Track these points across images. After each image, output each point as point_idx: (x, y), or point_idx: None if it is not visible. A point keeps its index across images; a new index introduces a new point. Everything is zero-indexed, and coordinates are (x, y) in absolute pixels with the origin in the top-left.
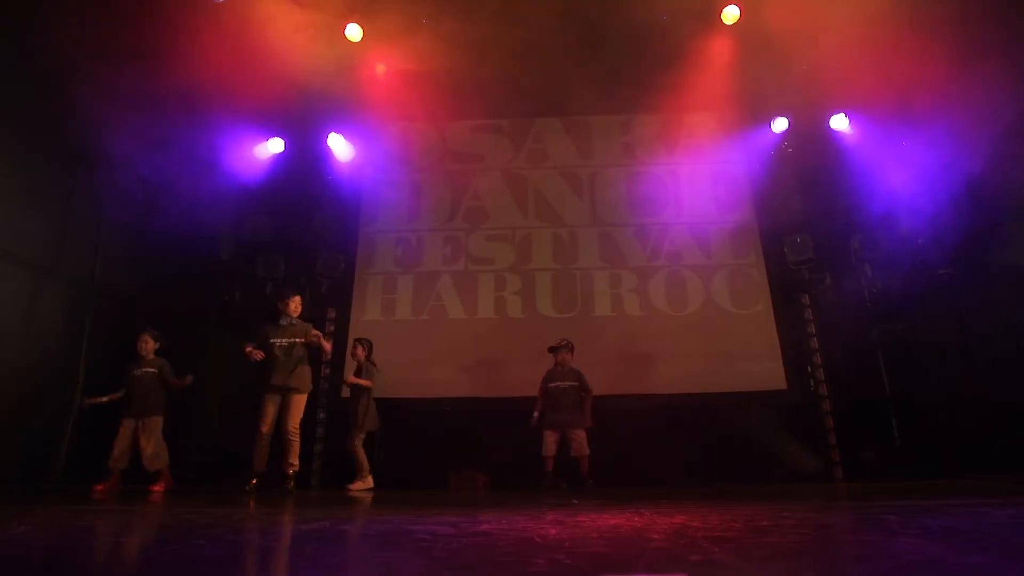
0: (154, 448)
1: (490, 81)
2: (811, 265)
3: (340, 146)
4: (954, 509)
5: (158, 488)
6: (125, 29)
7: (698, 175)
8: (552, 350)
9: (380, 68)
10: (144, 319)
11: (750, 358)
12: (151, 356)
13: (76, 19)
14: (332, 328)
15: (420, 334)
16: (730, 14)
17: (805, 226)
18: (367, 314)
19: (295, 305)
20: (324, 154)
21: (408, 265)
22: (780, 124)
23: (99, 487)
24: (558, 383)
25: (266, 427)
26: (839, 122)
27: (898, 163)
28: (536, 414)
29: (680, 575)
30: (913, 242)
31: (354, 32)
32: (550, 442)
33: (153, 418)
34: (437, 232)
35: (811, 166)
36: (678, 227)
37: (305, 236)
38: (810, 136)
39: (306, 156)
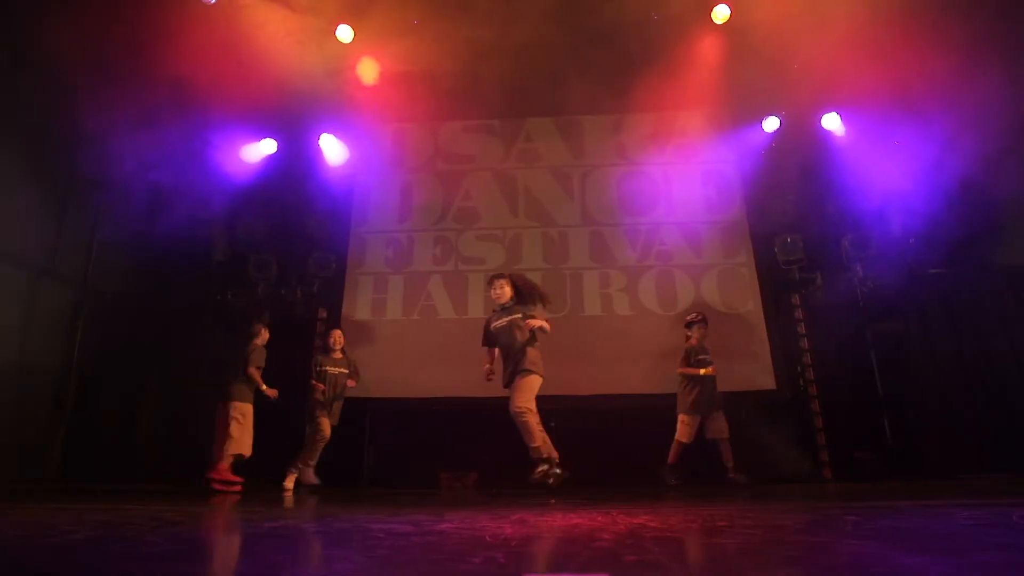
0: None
1: (481, 81)
2: (802, 264)
3: (332, 147)
4: (921, 511)
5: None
6: (120, 32)
7: (689, 174)
8: (688, 325)
9: (369, 71)
10: (140, 318)
11: (739, 358)
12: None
13: (70, 23)
14: (323, 328)
15: (410, 334)
16: (720, 13)
17: (796, 225)
18: (357, 314)
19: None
20: (316, 155)
21: (398, 265)
22: (771, 123)
23: (239, 479)
24: (705, 356)
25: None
26: (830, 121)
27: (890, 162)
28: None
29: (601, 575)
30: (905, 241)
31: (345, 34)
32: (691, 428)
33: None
34: (428, 232)
35: (802, 165)
36: (668, 226)
37: (297, 236)
38: (801, 135)
39: (298, 157)
